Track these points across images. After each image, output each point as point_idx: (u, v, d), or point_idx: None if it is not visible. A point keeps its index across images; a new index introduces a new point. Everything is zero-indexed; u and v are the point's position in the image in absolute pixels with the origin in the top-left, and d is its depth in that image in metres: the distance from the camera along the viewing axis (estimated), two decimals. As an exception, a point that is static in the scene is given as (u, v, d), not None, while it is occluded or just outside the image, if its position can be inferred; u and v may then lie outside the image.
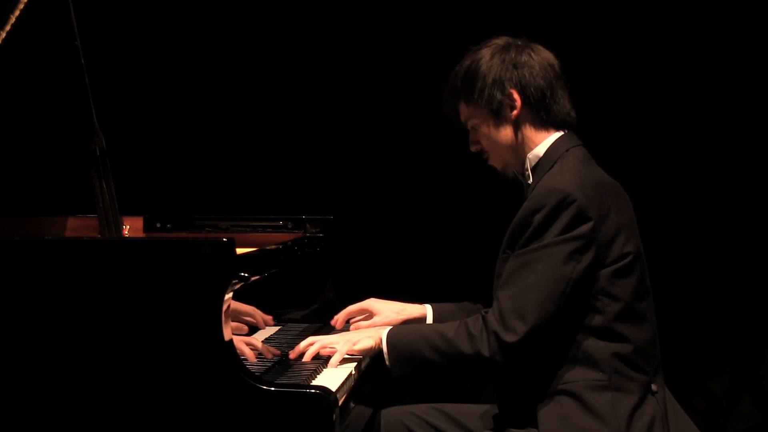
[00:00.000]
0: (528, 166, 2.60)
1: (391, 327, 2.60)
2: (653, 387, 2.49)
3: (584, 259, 2.41)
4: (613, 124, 4.24)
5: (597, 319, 2.44)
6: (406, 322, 2.76)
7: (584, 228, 2.41)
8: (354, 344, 2.56)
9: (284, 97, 4.46)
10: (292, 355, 2.59)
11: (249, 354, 2.59)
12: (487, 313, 2.45)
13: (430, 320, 2.81)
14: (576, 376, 2.44)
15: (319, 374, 2.47)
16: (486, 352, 2.39)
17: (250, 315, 2.89)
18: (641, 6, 4.29)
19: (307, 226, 3.35)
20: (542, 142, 2.58)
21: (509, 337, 2.38)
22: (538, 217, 2.43)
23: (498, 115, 2.58)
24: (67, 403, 2.25)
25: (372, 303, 2.81)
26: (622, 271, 2.45)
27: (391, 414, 2.80)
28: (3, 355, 2.26)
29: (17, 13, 2.67)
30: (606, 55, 4.27)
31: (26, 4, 2.68)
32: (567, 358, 2.45)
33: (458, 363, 2.45)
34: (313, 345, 2.57)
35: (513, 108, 2.57)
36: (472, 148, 2.69)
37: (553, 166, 2.54)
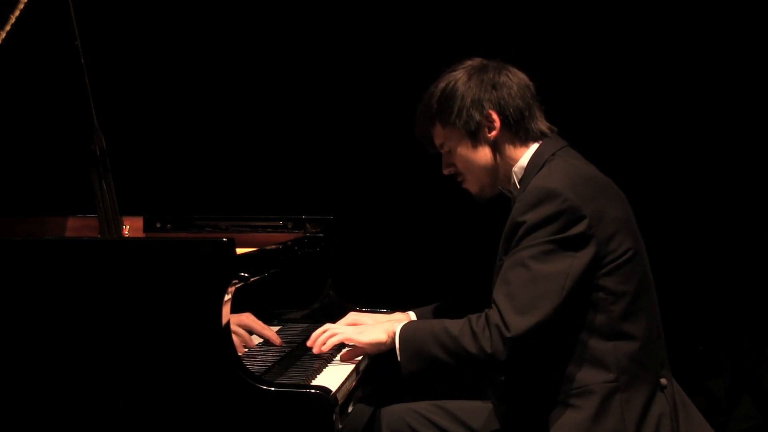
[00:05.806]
0: (515, 179, 2.58)
1: (405, 322, 2.54)
2: (662, 381, 2.47)
3: (581, 256, 2.38)
4: (611, 121, 4.23)
5: (601, 319, 2.42)
6: None
7: (579, 227, 2.38)
8: (360, 333, 2.53)
9: (284, 97, 4.46)
10: (310, 342, 2.59)
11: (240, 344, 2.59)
12: (489, 310, 2.41)
13: None
14: (585, 379, 2.41)
15: (319, 374, 2.47)
16: (488, 349, 2.35)
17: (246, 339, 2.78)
18: (638, 4, 4.29)
19: (307, 226, 3.35)
20: (524, 155, 2.57)
21: (510, 332, 2.34)
22: (529, 218, 2.40)
23: (475, 137, 2.57)
24: (67, 403, 2.25)
25: (355, 316, 2.76)
26: (623, 267, 2.43)
27: (391, 411, 2.80)
28: (3, 355, 2.26)
29: (17, 13, 2.67)
30: (603, 54, 4.27)
31: (26, 4, 2.68)
32: (575, 361, 2.42)
33: (463, 361, 2.40)
34: (325, 333, 2.57)
35: (491, 129, 2.56)
36: (445, 171, 2.68)
37: (540, 169, 2.51)
